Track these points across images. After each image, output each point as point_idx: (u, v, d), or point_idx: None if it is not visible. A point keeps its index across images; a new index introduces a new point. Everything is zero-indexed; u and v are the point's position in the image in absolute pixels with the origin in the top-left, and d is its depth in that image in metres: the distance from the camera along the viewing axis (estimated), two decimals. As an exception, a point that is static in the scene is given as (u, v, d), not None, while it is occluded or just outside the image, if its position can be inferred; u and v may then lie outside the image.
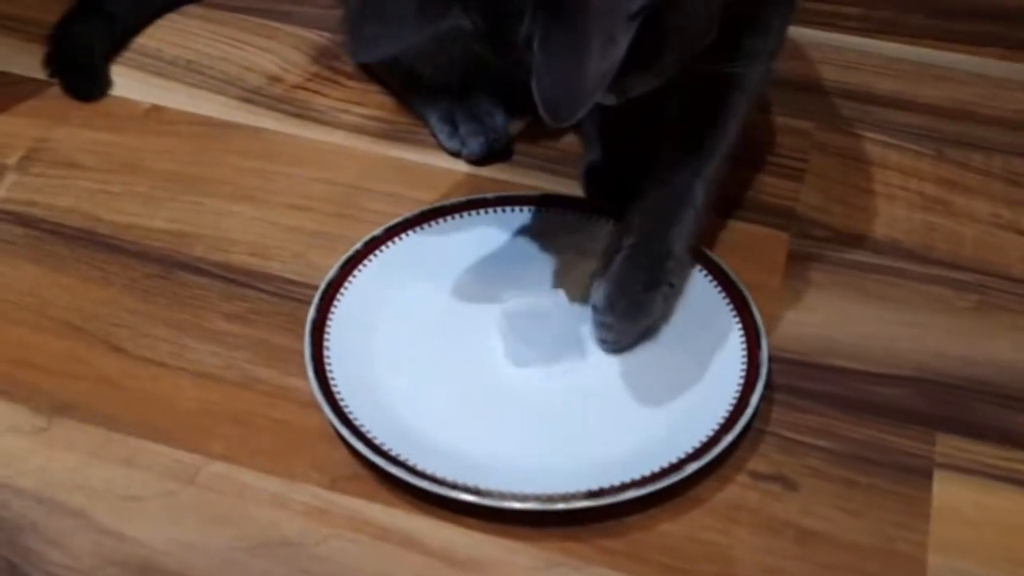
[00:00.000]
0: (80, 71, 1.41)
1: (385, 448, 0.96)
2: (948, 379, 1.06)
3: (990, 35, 1.52)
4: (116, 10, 1.46)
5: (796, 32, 1.48)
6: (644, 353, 1.06)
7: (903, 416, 1.03)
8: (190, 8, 1.53)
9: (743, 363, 1.03)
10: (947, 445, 1.01)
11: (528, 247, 1.15)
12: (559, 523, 0.94)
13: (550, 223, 1.17)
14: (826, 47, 1.49)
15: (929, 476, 0.98)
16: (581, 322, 1.06)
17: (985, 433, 1.02)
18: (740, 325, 1.06)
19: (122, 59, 1.44)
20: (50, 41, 1.42)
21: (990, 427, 1.03)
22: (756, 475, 0.98)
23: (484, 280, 1.12)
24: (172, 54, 1.46)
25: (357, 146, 1.32)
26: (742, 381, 1.01)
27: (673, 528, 0.95)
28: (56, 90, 1.39)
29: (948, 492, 0.97)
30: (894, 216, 1.23)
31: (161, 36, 1.49)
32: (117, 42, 1.46)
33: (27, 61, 1.42)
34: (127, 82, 1.41)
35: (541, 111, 0.87)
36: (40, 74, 1.40)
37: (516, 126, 1.31)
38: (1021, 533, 0.95)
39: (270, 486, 0.97)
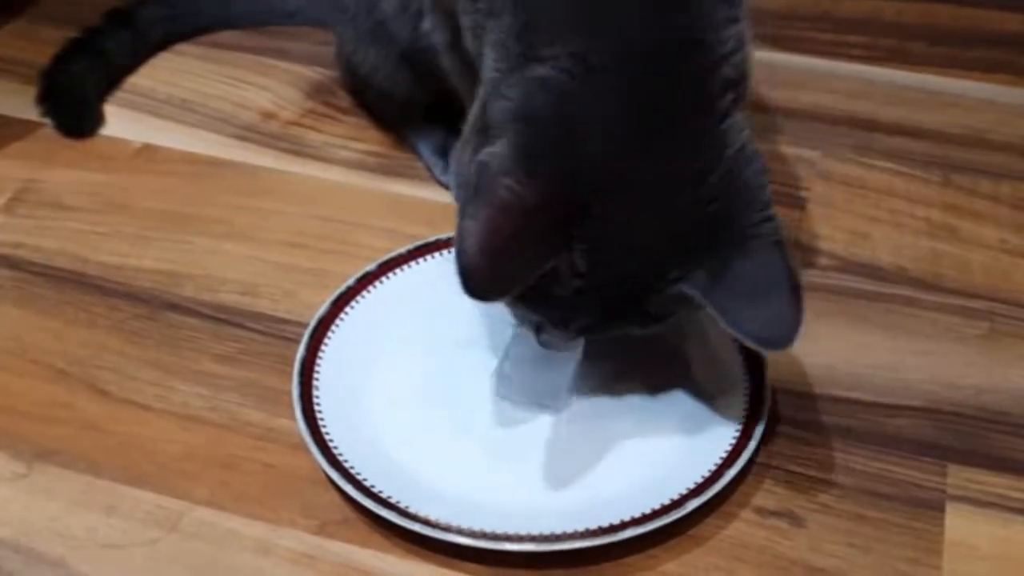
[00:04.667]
0: (72, 109, 1.40)
1: (376, 491, 0.93)
2: (959, 409, 1.04)
3: (997, 61, 1.49)
4: (110, 48, 1.44)
5: (800, 61, 1.47)
6: (643, 387, 1.03)
7: (913, 448, 1.00)
8: (184, 46, 1.52)
9: (746, 395, 1.00)
10: (959, 477, 0.98)
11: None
12: (557, 564, 0.91)
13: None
14: (831, 76, 1.46)
15: (941, 509, 0.96)
16: (577, 358, 1.03)
17: (999, 464, 0.99)
18: (742, 356, 1.03)
19: (115, 98, 1.43)
20: (42, 79, 1.41)
21: (1004, 458, 1.00)
22: (761, 511, 0.95)
23: (479, 317, 1.10)
24: (166, 92, 1.44)
25: (352, 182, 1.30)
26: (745, 414, 0.98)
27: (675, 568, 0.92)
28: (46, 131, 1.37)
29: (961, 526, 0.94)
30: (901, 244, 1.20)
31: (155, 74, 1.47)
32: (111, 80, 1.45)
33: (16, 102, 1.40)
34: (119, 121, 1.39)
35: (758, 346, 0.90)
36: (30, 115, 1.38)
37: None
38: (1038, 568, 0.92)
39: (256, 532, 0.94)
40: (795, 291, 0.88)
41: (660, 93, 0.88)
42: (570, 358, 1.02)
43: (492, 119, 0.90)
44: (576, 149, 0.87)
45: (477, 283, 0.84)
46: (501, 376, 1.03)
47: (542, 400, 1.02)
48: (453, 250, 0.85)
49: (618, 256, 0.88)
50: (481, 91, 0.95)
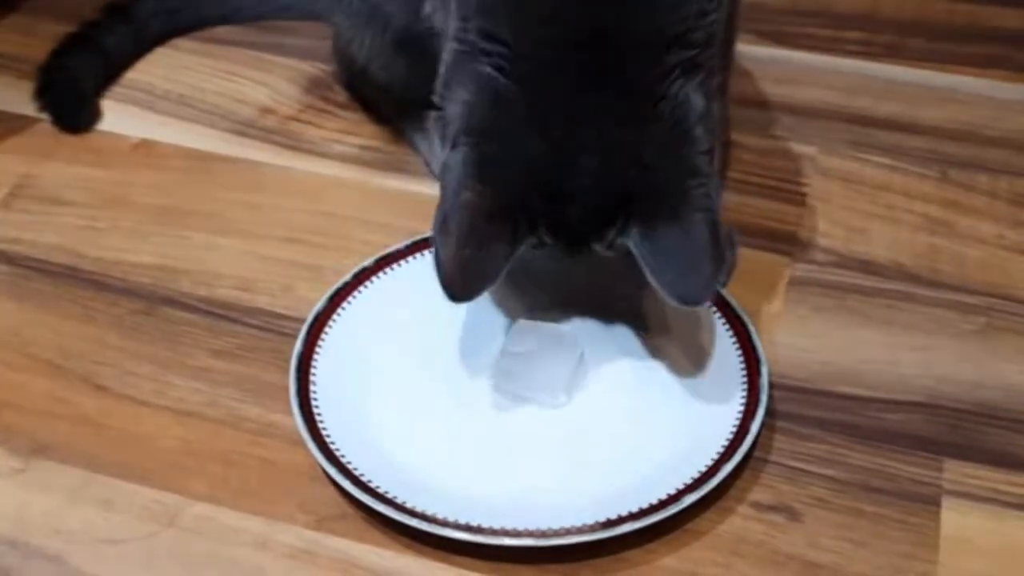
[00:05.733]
0: (69, 103, 1.40)
1: (373, 486, 0.93)
2: (956, 404, 1.04)
3: (994, 57, 1.49)
4: (108, 43, 1.44)
5: (798, 57, 1.47)
6: (640, 382, 1.04)
7: (910, 442, 1.00)
8: (182, 41, 1.51)
9: (743, 390, 1.00)
10: (956, 472, 0.98)
11: (523, 277, 1.12)
12: (555, 559, 0.91)
13: (547, 252, 1.14)
14: (828, 71, 1.46)
15: (938, 504, 0.96)
16: (576, 353, 1.03)
17: (995, 459, 0.99)
18: (740, 351, 1.03)
19: (112, 93, 1.42)
20: (40, 73, 1.41)
21: (1000, 452, 1.00)
22: (758, 506, 0.95)
23: (476, 311, 1.09)
24: (164, 88, 1.44)
25: (350, 177, 1.29)
26: (742, 409, 0.98)
27: (673, 563, 0.92)
28: (43, 126, 1.37)
29: (957, 520, 0.94)
30: (898, 239, 1.20)
31: (152, 70, 1.47)
32: (109, 75, 1.45)
33: (13, 97, 1.40)
34: (117, 116, 1.39)
35: (674, 302, 0.94)
36: (27, 110, 1.38)
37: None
38: (1034, 562, 0.92)
39: (254, 527, 0.94)
40: (713, 258, 0.94)
41: (594, 76, 0.94)
42: (568, 354, 1.02)
43: (449, 116, 0.99)
44: (521, 150, 0.95)
45: (458, 291, 0.95)
46: (499, 371, 1.03)
47: (540, 395, 1.01)
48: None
49: (575, 224, 0.97)
50: (444, 55, 1.03)
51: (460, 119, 0.97)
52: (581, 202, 0.96)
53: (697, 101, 0.96)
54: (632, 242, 0.96)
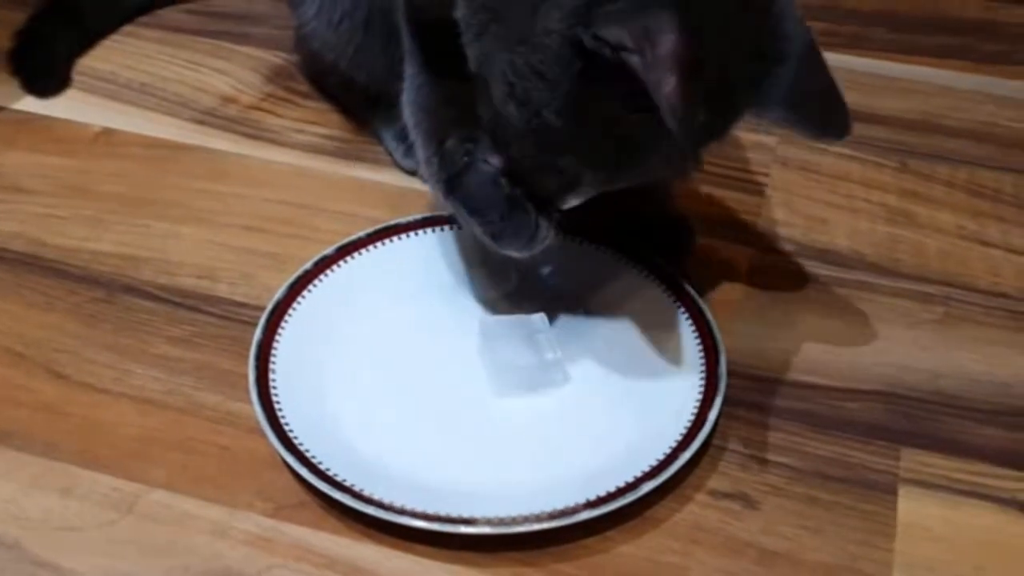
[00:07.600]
0: (40, 69, 1.40)
1: (331, 474, 0.93)
2: (913, 393, 1.04)
3: (956, 48, 1.51)
4: (87, 11, 1.46)
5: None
6: (599, 370, 1.04)
7: (867, 431, 1.01)
8: (144, 30, 1.51)
9: (701, 379, 1.00)
10: (912, 460, 0.99)
11: (483, 267, 1.12)
12: (513, 547, 0.91)
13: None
14: (790, 61, 1.46)
15: (894, 492, 0.96)
16: (532, 342, 1.03)
17: (951, 447, 1.00)
18: (698, 340, 1.03)
19: (75, 82, 1.42)
20: (15, 37, 1.41)
21: (956, 441, 1.01)
22: (716, 494, 0.96)
23: (436, 301, 1.10)
24: (126, 77, 1.43)
25: (312, 166, 1.29)
26: (700, 397, 0.99)
27: (630, 550, 0.92)
28: (4, 115, 1.36)
29: (913, 508, 0.95)
30: (858, 229, 1.21)
31: (115, 59, 1.47)
32: (83, 43, 1.46)
33: (-27, 87, 1.39)
34: (79, 105, 1.39)
35: (826, 142, 1.05)
36: (-12, 100, 1.38)
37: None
38: (989, 549, 0.93)
39: (212, 514, 0.94)
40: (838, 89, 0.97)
41: None
42: (523, 333, 1.03)
43: None
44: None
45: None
46: (456, 358, 1.04)
47: (499, 379, 1.02)
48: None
49: (730, 85, 0.91)
50: None
51: None
52: (732, 59, 0.90)
53: None
54: (766, 99, 0.93)
